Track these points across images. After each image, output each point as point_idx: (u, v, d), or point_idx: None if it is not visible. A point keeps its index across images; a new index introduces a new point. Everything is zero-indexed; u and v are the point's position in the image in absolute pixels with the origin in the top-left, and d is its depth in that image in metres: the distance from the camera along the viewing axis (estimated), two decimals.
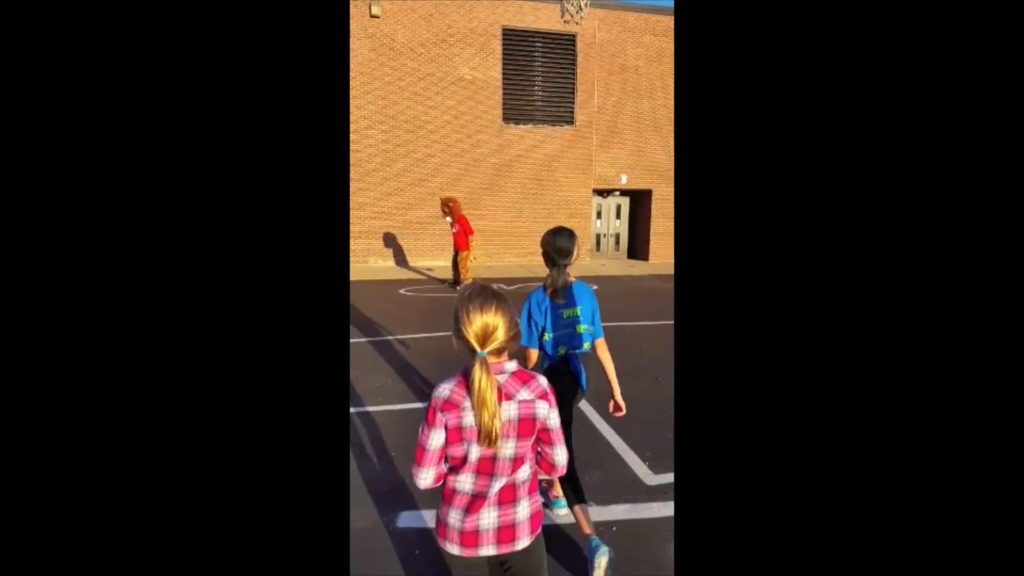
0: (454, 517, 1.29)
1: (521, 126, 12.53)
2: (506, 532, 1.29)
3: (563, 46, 12.52)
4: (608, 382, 2.33)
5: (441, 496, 1.34)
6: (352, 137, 11.57)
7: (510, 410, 1.25)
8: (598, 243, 14.38)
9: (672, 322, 4.61)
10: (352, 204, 11.70)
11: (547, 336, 2.21)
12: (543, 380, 1.31)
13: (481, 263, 12.22)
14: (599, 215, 14.22)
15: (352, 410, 3.76)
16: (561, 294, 2.19)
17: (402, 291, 8.89)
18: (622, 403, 2.31)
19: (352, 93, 11.45)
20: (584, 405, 3.75)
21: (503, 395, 1.25)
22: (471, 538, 1.28)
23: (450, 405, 1.23)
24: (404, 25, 11.57)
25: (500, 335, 1.22)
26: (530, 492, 1.33)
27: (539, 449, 1.34)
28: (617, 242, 14.68)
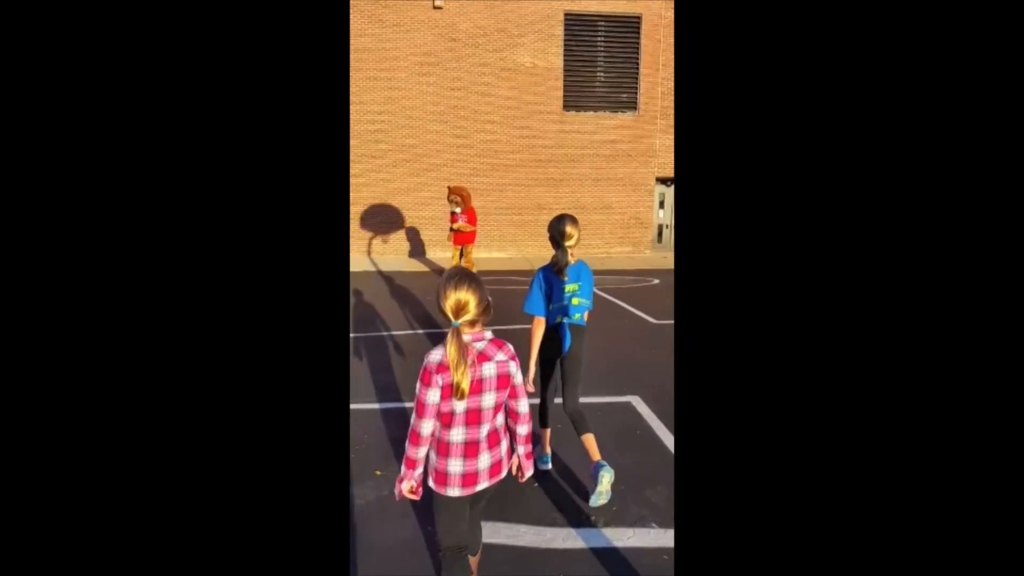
0: (455, 464, 1.58)
1: (583, 113, 12.18)
2: (496, 468, 1.64)
3: (627, 28, 12.04)
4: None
5: (436, 452, 1.60)
6: (410, 129, 11.65)
7: (491, 368, 1.55)
8: (660, 234, 13.79)
9: None
10: (414, 199, 11.80)
11: (550, 306, 2.54)
12: (511, 346, 1.63)
13: (536, 255, 12.03)
14: (662, 204, 13.64)
15: (395, 405, 3.68)
16: (564, 271, 2.52)
17: None
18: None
19: (412, 84, 11.51)
20: (645, 411, 3.51)
21: (484, 357, 1.54)
22: (471, 478, 1.59)
23: (443, 367, 1.49)
24: (466, 15, 11.47)
25: (472, 308, 1.50)
26: (504, 434, 1.69)
27: (506, 404, 1.66)
28: None
